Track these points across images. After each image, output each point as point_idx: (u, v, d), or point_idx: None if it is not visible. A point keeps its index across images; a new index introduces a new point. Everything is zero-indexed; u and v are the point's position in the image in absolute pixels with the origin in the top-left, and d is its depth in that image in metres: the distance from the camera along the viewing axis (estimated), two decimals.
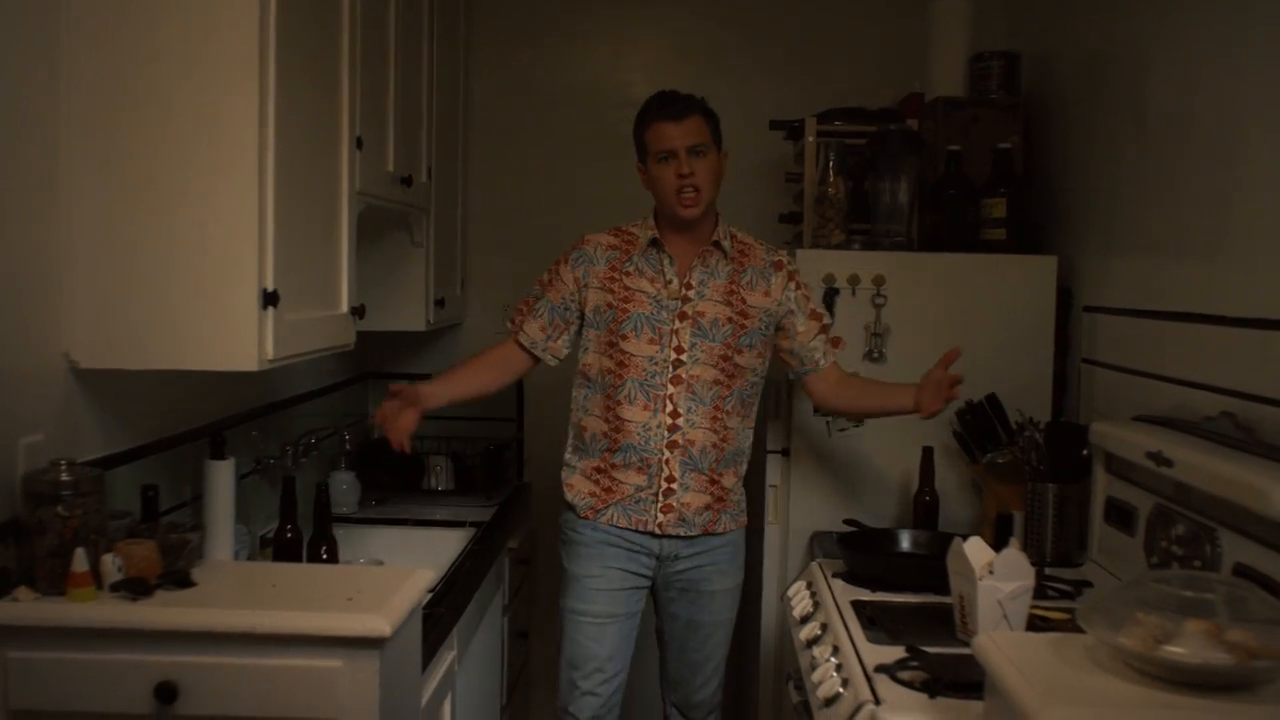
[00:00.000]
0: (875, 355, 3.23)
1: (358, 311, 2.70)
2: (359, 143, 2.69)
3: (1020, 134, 3.44)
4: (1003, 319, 3.23)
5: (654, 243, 2.88)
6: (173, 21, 2.13)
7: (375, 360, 4.14)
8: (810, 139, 3.52)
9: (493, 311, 4.19)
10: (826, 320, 3.01)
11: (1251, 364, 2.33)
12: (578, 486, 2.94)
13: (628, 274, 2.88)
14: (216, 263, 2.15)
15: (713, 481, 2.90)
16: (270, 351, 2.19)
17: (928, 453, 3.14)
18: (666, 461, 2.86)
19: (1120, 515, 2.66)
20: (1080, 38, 3.39)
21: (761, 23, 4.16)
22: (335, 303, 2.61)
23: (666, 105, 2.84)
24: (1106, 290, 3.11)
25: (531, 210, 4.19)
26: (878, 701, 2.00)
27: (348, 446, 3.67)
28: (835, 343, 3.04)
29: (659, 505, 2.88)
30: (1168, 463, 2.31)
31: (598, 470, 2.91)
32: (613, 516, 2.90)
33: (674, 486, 2.87)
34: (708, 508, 2.91)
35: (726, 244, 2.90)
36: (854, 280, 3.23)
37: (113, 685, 1.94)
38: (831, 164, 3.42)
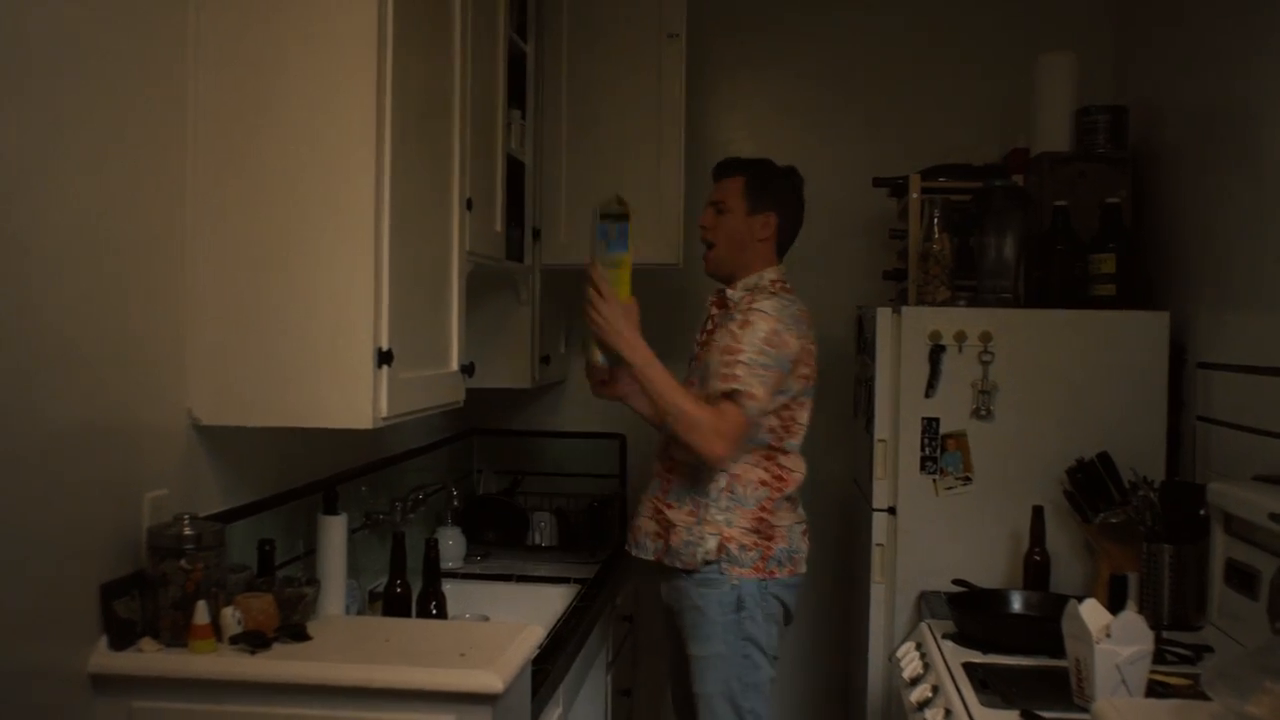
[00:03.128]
0: (983, 413, 3.19)
1: (467, 370, 2.74)
2: (469, 204, 2.74)
3: (1128, 188, 3.40)
4: (1113, 376, 3.18)
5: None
6: (294, 84, 2.20)
7: (480, 417, 4.19)
8: (914, 195, 3.51)
9: None
10: (742, 358, 2.84)
11: None
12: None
13: None
14: (333, 322, 2.20)
15: (656, 511, 3.01)
16: (385, 409, 2.23)
17: (1038, 512, 3.09)
18: (643, 487, 3.13)
19: (1241, 578, 2.59)
20: (1190, 90, 3.34)
21: (862, 80, 4.17)
22: (446, 361, 2.65)
23: (718, 165, 3.16)
24: (1220, 346, 3.05)
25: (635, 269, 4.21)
26: None
27: (454, 502, 3.70)
28: (729, 366, 2.84)
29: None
30: None
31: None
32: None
33: (638, 508, 3.11)
34: (653, 535, 3.01)
35: (735, 295, 3.03)
36: (960, 337, 3.21)
37: None
38: (936, 220, 3.40)
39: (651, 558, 3.00)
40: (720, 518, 2.92)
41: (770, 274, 3.04)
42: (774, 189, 3.06)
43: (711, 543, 2.90)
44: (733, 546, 2.90)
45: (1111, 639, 2.16)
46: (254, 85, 2.22)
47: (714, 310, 3.11)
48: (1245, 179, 2.92)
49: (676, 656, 3.07)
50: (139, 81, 2.10)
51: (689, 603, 2.94)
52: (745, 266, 3.05)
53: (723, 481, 2.93)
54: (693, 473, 2.95)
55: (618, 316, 2.87)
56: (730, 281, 3.07)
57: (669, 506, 2.98)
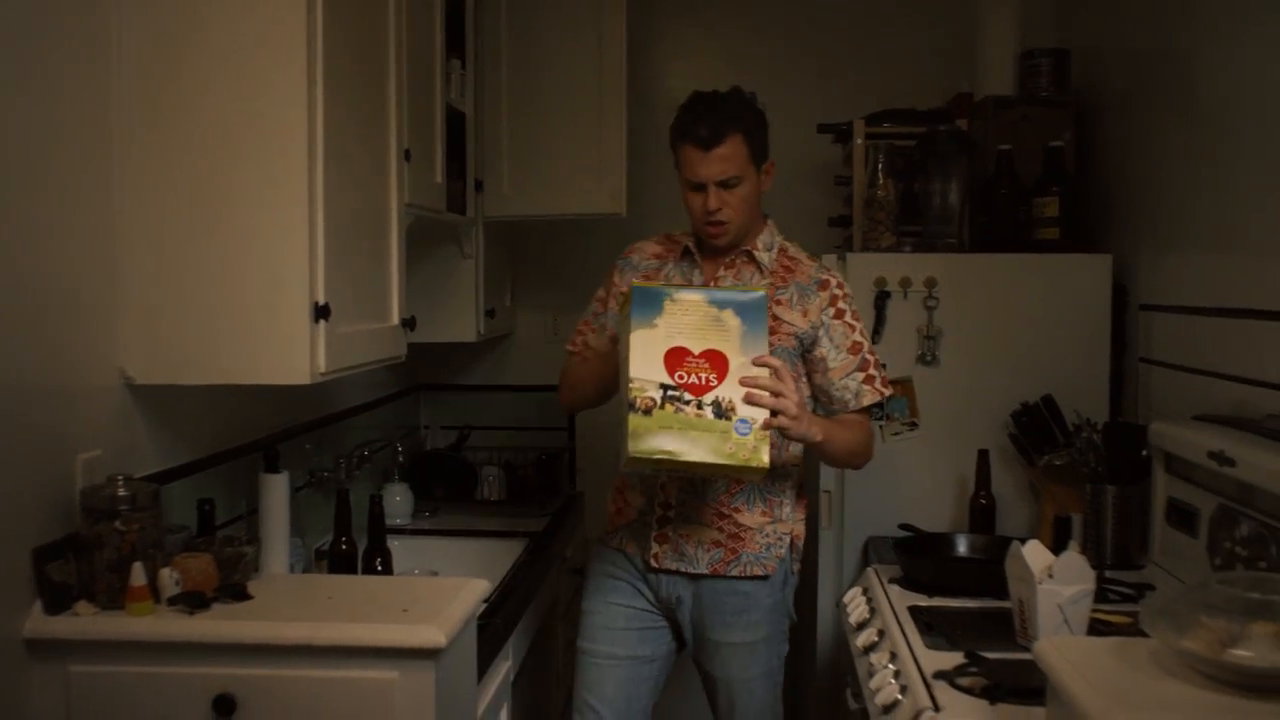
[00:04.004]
0: (928, 359, 3.20)
1: (409, 323, 2.71)
2: (407, 155, 2.70)
3: (1071, 132, 3.40)
4: (1057, 319, 3.19)
5: (687, 252, 2.67)
6: (222, 38, 2.15)
7: (426, 372, 4.16)
8: (859, 141, 3.50)
9: (542, 322, 4.20)
10: (871, 358, 2.64)
11: None
12: (607, 502, 2.76)
13: (648, 278, 2.66)
14: (268, 277, 2.16)
15: (721, 515, 2.59)
16: (323, 365, 2.20)
17: (983, 455, 3.10)
18: (663, 485, 2.60)
19: (1182, 516, 2.61)
20: (1130, 33, 3.34)
21: (806, 27, 4.14)
22: (386, 315, 2.62)
23: (695, 125, 2.52)
24: (1162, 288, 3.06)
25: (579, 220, 4.19)
26: (937, 708, 1.98)
27: (400, 458, 3.68)
28: (870, 382, 2.62)
29: (654, 534, 2.62)
30: (1230, 462, 2.27)
31: (617, 487, 2.73)
32: (622, 540, 2.69)
33: (670, 514, 2.60)
34: (717, 545, 2.59)
35: (765, 257, 2.63)
36: (905, 283, 3.21)
37: (171, 698, 1.95)
38: (881, 166, 3.39)
39: (705, 570, 2.60)
40: (790, 514, 2.66)
41: (771, 223, 2.71)
42: (764, 127, 2.62)
43: (785, 543, 2.65)
44: (800, 543, 2.70)
45: (1053, 579, 2.17)
46: (181, 31, 2.16)
47: (734, 274, 2.64)
48: (1184, 122, 2.92)
49: (704, 670, 2.71)
50: (60, 39, 2.04)
51: (742, 602, 2.63)
52: (753, 223, 2.66)
53: (795, 475, 2.69)
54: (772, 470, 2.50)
55: (801, 402, 2.38)
56: (739, 243, 2.65)
57: (737, 510, 2.59)
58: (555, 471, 3.95)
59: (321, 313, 2.18)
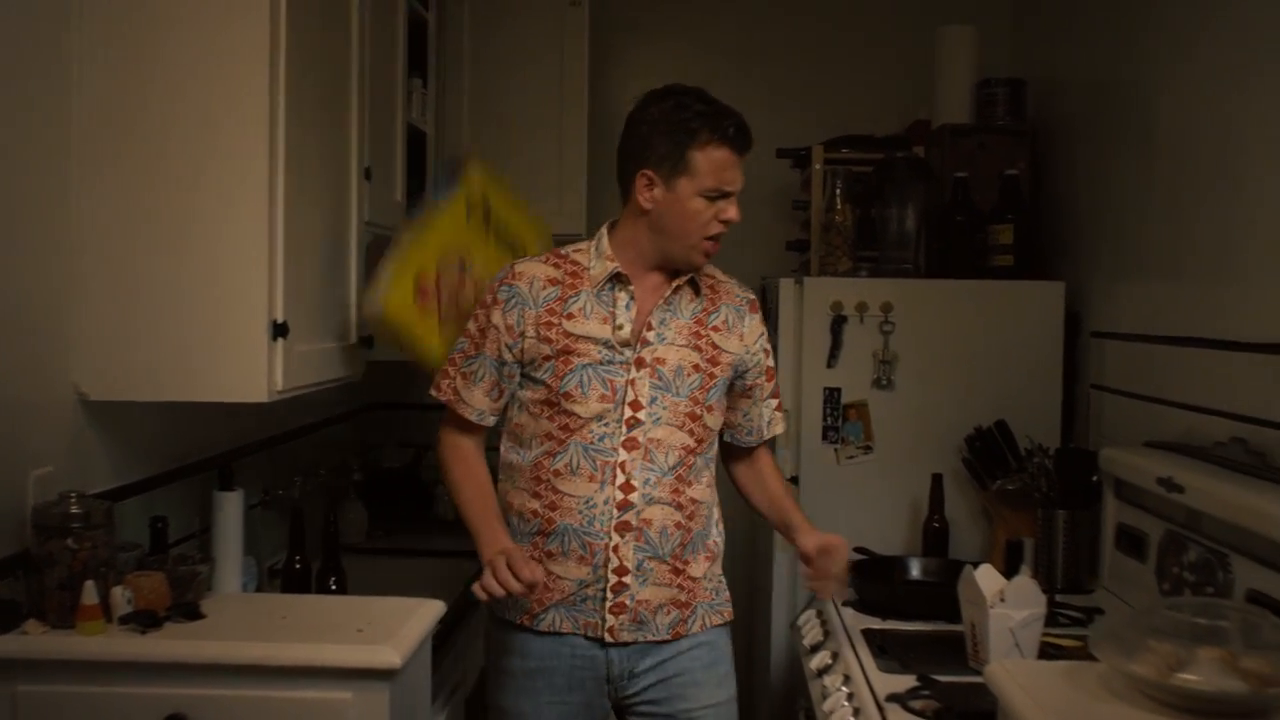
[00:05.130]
0: (883, 383, 3.23)
1: (367, 342, 2.71)
2: (368, 173, 2.70)
3: (1027, 160, 3.45)
4: (1011, 345, 3.23)
5: (617, 279, 2.27)
6: (183, 53, 2.15)
7: (383, 391, 4.14)
8: (817, 167, 3.53)
9: None
10: (777, 383, 2.50)
11: (1261, 389, 2.33)
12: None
13: (570, 316, 2.25)
14: (226, 294, 2.15)
15: (676, 571, 2.27)
16: (280, 383, 2.19)
17: (937, 480, 3.13)
18: (615, 549, 2.22)
19: (1131, 541, 2.65)
20: (1086, 64, 3.40)
21: (766, 51, 4.17)
22: (344, 334, 2.62)
23: (726, 123, 2.22)
24: (1114, 316, 3.11)
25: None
26: None
27: (356, 477, 3.66)
28: (780, 409, 2.51)
29: (607, 605, 2.24)
30: (1179, 489, 2.31)
31: (532, 558, 2.23)
32: (555, 621, 2.26)
33: (626, 581, 2.23)
34: (674, 604, 2.28)
35: (699, 280, 2.34)
36: (862, 308, 3.23)
37: (123, 717, 1.93)
38: (839, 192, 3.43)
39: (668, 635, 2.28)
40: (720, 548, 2.41)
41: None
42: None
43: (724, 580, 2.42)
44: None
45: (1005, 603, 2.20)
46: (142, 49, 2.16)
47: (666, 307, 2.30)
48: (1137, 153, 2.97)
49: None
50: (18, 52, 2.03)
51: (703, 658, 2.33)
52: None
53: (718, 512, 2.42)
54: (708, 512, 2.35)
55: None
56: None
57: (686, 564, 2.29)
58: None
59: (280, 331, 2.18)
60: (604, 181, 3.86)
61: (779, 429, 2.51)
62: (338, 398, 3.71)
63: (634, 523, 2.22)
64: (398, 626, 2.07)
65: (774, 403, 2.47)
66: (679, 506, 2.27)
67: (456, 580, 3.12)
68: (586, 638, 2.26)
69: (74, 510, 2.00)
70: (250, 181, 2.15)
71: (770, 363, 2.45)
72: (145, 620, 2.00)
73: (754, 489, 2.51)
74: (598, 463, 2.23)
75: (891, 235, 3.37)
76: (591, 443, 2.23)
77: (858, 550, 3.06)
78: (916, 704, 2.08)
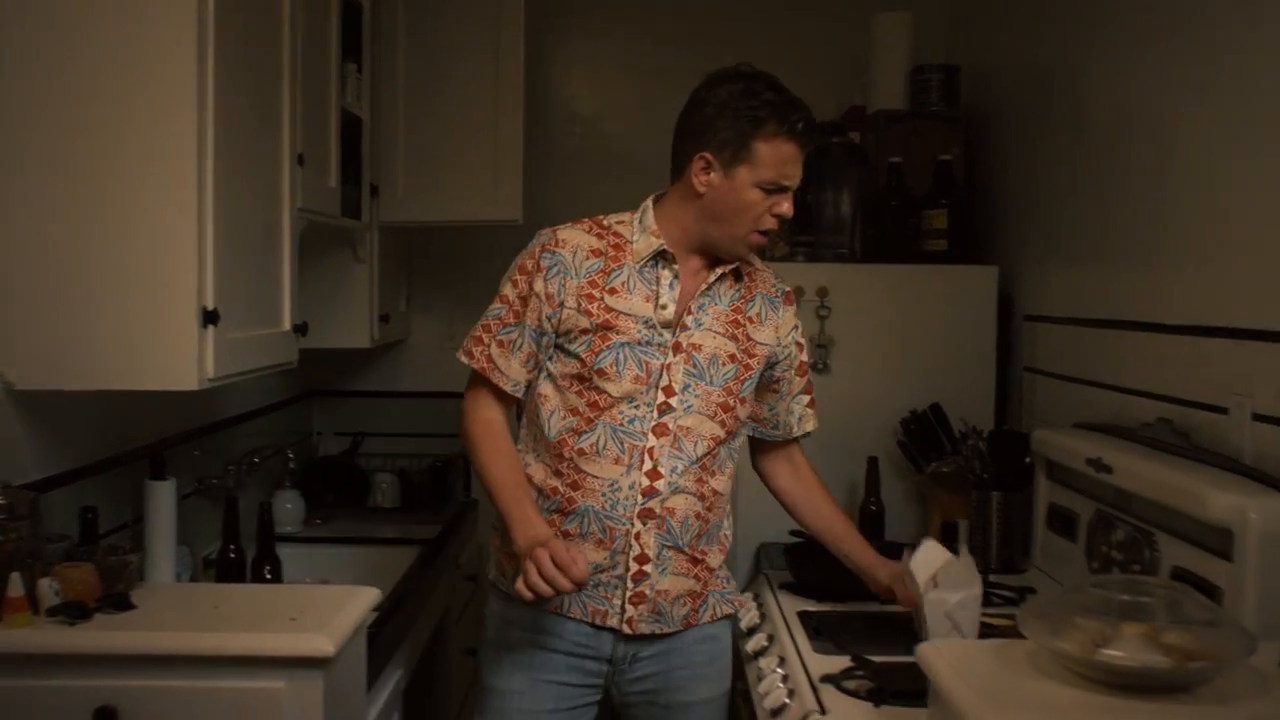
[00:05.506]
0: (820, 367, 3.24)
1: (300, 329, 2.68)
2: (300, 159, 2.67)
3: (960, 146, 3.49)
4: (945, 329, 3.26)
5: (661, 256, 2.20)
6: (110, 39, 2.11)
7: (319, 378, 4.11)
8: None
9: (437, 328, 4.17)
10: (810, 379, 2.45)
11: (1186, 370, 2.37)
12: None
13: (612, 290, 2.17)
14: (155, 281, 2.12)
15: (694, 561, 2.23)
16: (211, 370, 2.17)
17: (873, 462, 3.15)
18: (637, 535, 2.16)
19: (1062, 521, 2.69)
20: (1018, 51, 3.43)
21: (703, 37, 4.17)
22: (277, 320, 2.59)
23: (795, 115, 2.14)
24: (1046, 299, 3.15)
25: (475, 226, 4.18)
26: (824, 711, 2.01)
27: (292, 465, 3.63)
28: (812, 405, 2.46)
29: (628, 594, 2.17)
30: (1107, 469, 2.35)
31: None
32: (563, 603, 2.18)
33: (647, 569, 2.17)
34: (690, 594, 2.23)
35: (742, 268, 2.29)
36: (798, 292, 3.23)
37: (51, 711, 1.90)
38: None
39: (680, 626, 2.23)
40: (730, 540, 2.35)
41: None
42: None
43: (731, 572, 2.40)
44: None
45: (939, 588, 2.22)
46: (67, 35, 2.11)
47: (708, 295, 2.23)
48: (1068, 138, 3.01)
49: (653, 712, 2.29)
50: None
51: (706, 652, 2.30)
52: None
53: (730, 504, 2.36)
54: (725, 504, 2.31)
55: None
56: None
57: (704, 554, 2.25)
58: (449, 478, 3.93)
59: (210, 318, 2.15)
60: (540, 169, 3.89)
61: (810, 426, 2.45)
62: (273, 384, 3.68)
63: (657, 510, 2.16)
64: (331, 615, 2.05)
65: (805, 399, 2.41)
66: (701, 497, 2.21)
67: (393, 568, 3.11)
68: (593, 625, 2.19)
69: None
70: (179, 167, 2.12)
71: (804, 357, 2.39)
72: (74, 612, 1.98)
73: (805, 508, 2.47)
74: (625, 446, 2.15)
75: (827, 220, 3.39)
76: (621, 424, 2.15)
77: (793, 533, 3.08)
78: (851, 684, 2.10)
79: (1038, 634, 1.67)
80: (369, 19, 3.46)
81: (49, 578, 2.00)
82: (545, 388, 2.21)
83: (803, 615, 2.55)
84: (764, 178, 2.13)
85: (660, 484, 2.16)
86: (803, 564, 2.80)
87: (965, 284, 3.28)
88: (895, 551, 2.40)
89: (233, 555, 2.73)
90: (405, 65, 3.63)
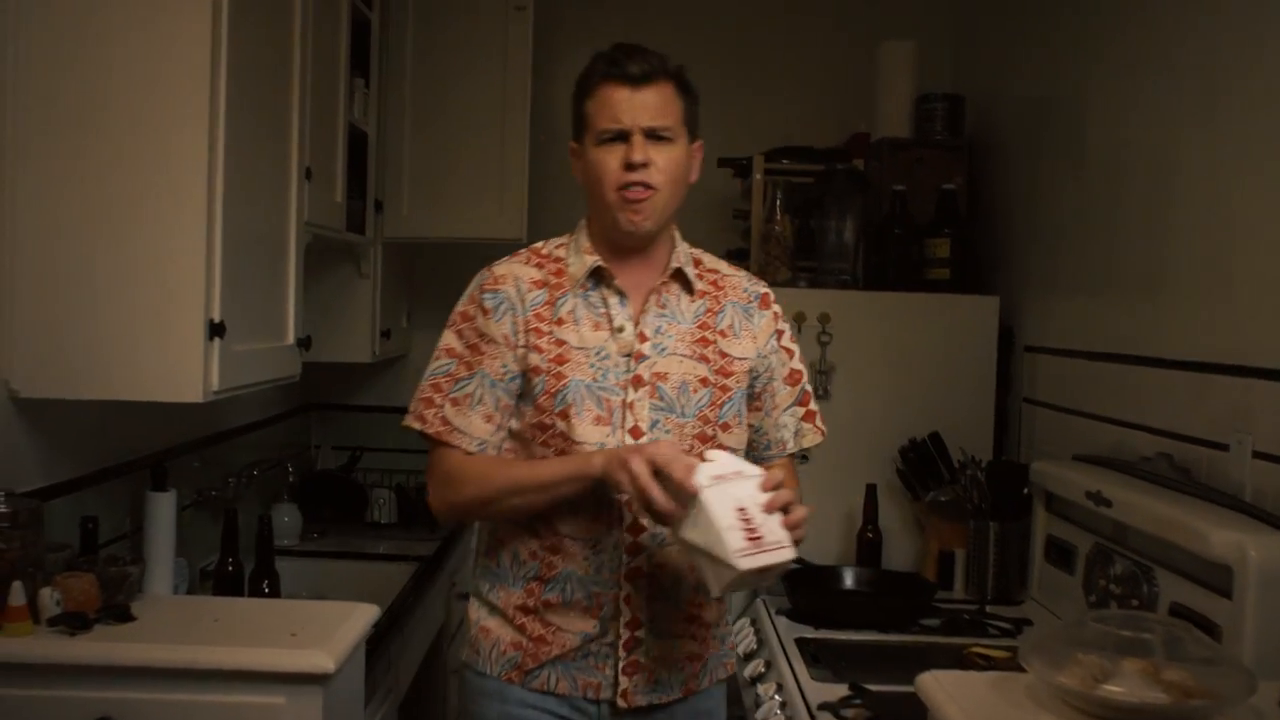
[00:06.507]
0: (820, 393, 3.25)
1: (304, 343, 2.69)
2: (308, 173, 2.68)
3: (964, 175, 3.50)
4: (946, 358, 3.27)
5: (596, 274, 1.97)
6: (123, 48, 2.12)
7: (320, 392, 4.11)
8: (758, 176, 3.56)
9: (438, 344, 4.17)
10: (809, 389, 2.14)
11: (1187, 406, 2.38)
12: (495, 634, 1.97)
13: (560, 321, 1.95)
14: (162, 293, 2.13)
15: (690, 619, 1.99)
16: (215, 383, 2.17)
17: (871, 490, 3.16)
18: (626, 598, 1.93)
19: (1060, 554, 2.69)
20: (1022, 82, 3.45)
21: (709, 60, 4.17)
22: (282, 334, 2.60)
23: (623, 61, 1.95)
24: (1047, 330, 3.16)
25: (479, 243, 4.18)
26: None
27: (291, 478, 3.63)
28: (810, 418, 2.13)
29: (620, 664, 1.94)
30: (1106, 502, 2.35)
31: (524, 610, 1.96)
32: (550, 680, 1.95)
33: (639, 635, 1.94)
34: (689, 657, 1.99)
35: (690, 271, 2.02)
36: (800, 318, 3.26)
37: None
38: (779, 202, 3.46)
39: (679, 695, 1.99)
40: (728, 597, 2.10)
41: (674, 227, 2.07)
42: (697, 100, 2.09)
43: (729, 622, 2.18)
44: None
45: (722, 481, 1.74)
46: (80, 45, 2.12)
47: (660, 306, 1.99)
48: (1071, 171, 3.03)
49: None
50: None
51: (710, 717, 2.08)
52: (673, 215, 2.02)
53: None
54: None
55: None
56: (648, 244, 2.00)
57: (700, 608, 2.00)
58: None
59: (216, 330, 2.16)
60: (546, 184, 3.89)
61: (810, 441, 2.13)
62: (274, 397, 3.68)
63: (645, 568, 1.92)
64: (331, 630, 2.05)
65: (800, 411, 2.10)
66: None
67: (390, 584, 3.11)
68: (586, 698, 1.95)
69: (1, 509, 1.96)
70: (189, 179, 2.12)
71: (794, 364, 2.10)
72: (74, 622, 1.97)
73: None
74: (602, 499, 1.89)
75: (830, 246, 3.41)
76: None
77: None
78: (848, 712, 2.10)
79: (1038, 668, 1.68)
80: (377, 35, 3.48)
81: (50, 587, 1.99)
82: (509, 443, 1.98)
83: (800, 642, 2.55)
84: (598, 131, 1.93)
85: (644, 538, 1.91)
86: (800, 590, 2.80)
87: (966, 313, 3.29)
88: (892, 579, 2.40)
89: (231, 568, 2.73)
90: (412, 81, 3.66)
